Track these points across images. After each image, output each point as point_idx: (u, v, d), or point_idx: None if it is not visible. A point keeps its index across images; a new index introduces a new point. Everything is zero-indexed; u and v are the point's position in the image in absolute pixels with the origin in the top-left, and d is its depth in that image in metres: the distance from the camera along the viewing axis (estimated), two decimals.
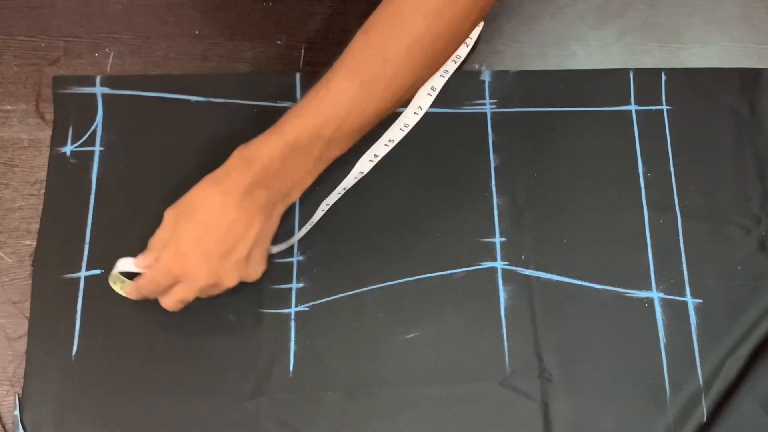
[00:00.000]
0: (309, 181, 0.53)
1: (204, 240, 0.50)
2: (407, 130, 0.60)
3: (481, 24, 0.63)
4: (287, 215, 0.58)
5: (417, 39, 0.49)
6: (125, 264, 0.52)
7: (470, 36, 0.63)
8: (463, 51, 0.62)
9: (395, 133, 0.60)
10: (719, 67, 0.64)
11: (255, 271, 0.52)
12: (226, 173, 0.50)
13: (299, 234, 0.57)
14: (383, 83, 0.49)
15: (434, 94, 0.61)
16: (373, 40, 0.49)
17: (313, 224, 0.57)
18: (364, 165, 0.59)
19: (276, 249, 0.56)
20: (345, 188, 0.58)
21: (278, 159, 0.50)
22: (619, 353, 0.56)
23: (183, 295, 0.51)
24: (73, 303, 0.56)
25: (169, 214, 0.51)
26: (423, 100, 0.61)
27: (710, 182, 0.60)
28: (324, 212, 0.58)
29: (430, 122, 0.61)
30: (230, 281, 0.51)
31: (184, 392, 0.54)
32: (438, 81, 0.61)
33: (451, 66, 0.61)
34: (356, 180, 0.59)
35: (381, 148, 0.59)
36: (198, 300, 0.55)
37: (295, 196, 0.53)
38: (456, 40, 0.51)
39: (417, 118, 0.60)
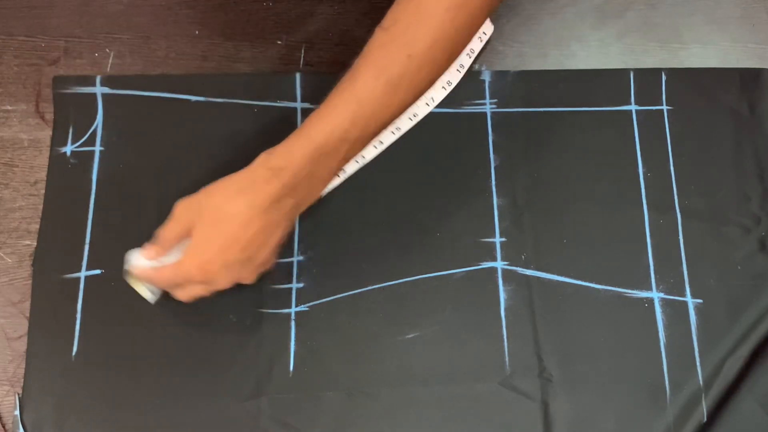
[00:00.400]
0: (331, 178, 0.53)
1: (228, 250, 0.49)
2: (416, 120, 0.60)
3: (491, 27, 0.64)
4: None
5: (441, 34, 0.48)
6: (136, 258, 0.52)
7: (484, 32, 0.63)
8: (477, 45, 0.62)
9: (403, 122, 0.60)
10: (719, 67, 0.64)
11: (268, 266, 0.53)
12: (253, 182, 0.49)
13: None
14: (408, 79, 0.49)
15: (449, 89, 0.61)
16: (396, 37, 0.49)
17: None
18: (368, 151, 0.59)
19: None
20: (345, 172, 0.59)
21: (307, 165, 0.49)
22: (619, 353, 0.56)
23: (201, 294, 0.52)
24: (73, 303, 0.56)
25: (184, 213, 0.51)
26: (437, 93, 0.61)
27: (710, 182, 0.60)
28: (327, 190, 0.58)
29: (430, 122, 0.61)
30: (248, 281, 0.52)
31: (184, 392, 0.54)
32: (455, 76, 0.61)
33: (466, 60, 0.61)
34: (359, 165, 0.59)
35: (387, 136, 0.59)
36: (197, 300, 0.55)
37: (318, 195, 0.53)
38: (474, 30, 0.51)
39: (428, 110, 0.60)
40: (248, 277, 0.52)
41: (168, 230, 0.51)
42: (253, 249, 0.50)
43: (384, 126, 0.51)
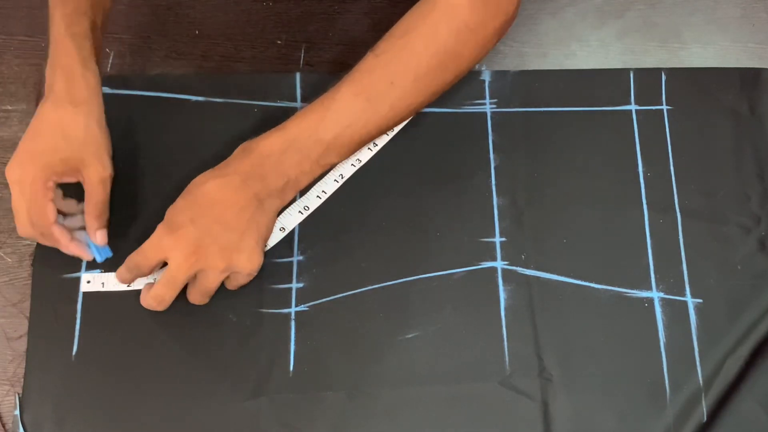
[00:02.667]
0: (304, 182, 0.53)
1: (200, 218, 0.51)
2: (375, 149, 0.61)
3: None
4: None
5: (425, 72, 0.52)
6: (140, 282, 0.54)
7: None
8: None
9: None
10: (719, 67, 0.64)
11: (254, 260, 0.53)
12: (226, 164, 0.53)
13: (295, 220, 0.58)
14: (388, 103, 0.52)
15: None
16: (382, 64, 0.52)
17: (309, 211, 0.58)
18: (346, 169, 0.60)
19: (272, 241, 0.57)
20: (342, 176, 0.59)
21: (276, 153, 0.51)
22: (619, 353, 0.56)
23: (207, 285, 0.53)
24: (73, 303, 0.56)
25: (184, 199, 0.52)
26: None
27: (710, 182, 0.60)
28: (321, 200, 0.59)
29: (430, 122, 0.61)
30: (237, 263, 0.52)
31: (185, 392, 0.54)
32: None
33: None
34: (354, 168, 0.59)
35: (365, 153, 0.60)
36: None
37: (289, 196, 0.53)
38: (460, 75, 0.55)
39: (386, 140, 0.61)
40: (248, 263, 0.52)
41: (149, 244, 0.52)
42: (231, 227, 0.51)
43: (362, 141, 0.53)
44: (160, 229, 0.51)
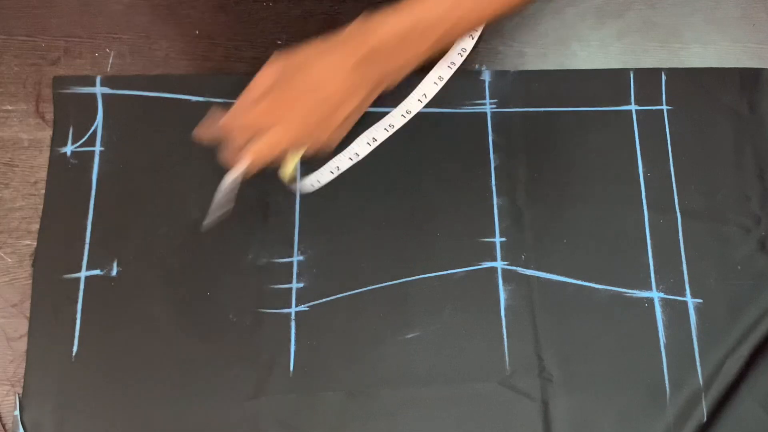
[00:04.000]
0: (413, 66, 0.52)
1: (308, 95, 0.50)
2: (408, 116, 0.60)
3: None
4: (287, 213, 0.58)
5: None
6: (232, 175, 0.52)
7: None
8: (468, 44, 0.62)
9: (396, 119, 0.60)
10: (719, 67, 0.64)
11: (337, 138, 0.52)
12: (343, 42, 0.50)
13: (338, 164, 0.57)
14: None
15: (441, 84, 0.60)
16: None
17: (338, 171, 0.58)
18: (361, 147, 0.59)
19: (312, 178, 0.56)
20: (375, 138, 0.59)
21: (398, 37, 0.49)
22: (619, 353, 0.56)
23: (273, 140, 0.50)
24: (73, 303, 0.56)
25: (276, 64, 0.51)
26: (429, 88, 0.60)
27: (710, 182, 0.60)
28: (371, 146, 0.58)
29: (430, 122, 0.61)
30: (317, 140, 0.51)
31: (185, 392, 0.54)
32: (445, 72, 0.60)
33: (457, 59, 0.61)
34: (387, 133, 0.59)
35: (381, 132, 0.59)
36: (198, 300, 0.56)
37: (397, 80, 0.52)
38: None
39: (420, 106, 0.60)
40: (318, 134, 0.51)
41: (254, 85, 0.51)
42: (331, 105, 0.50)
43: (480, 22, 0.52)
44: (272, 98, 0.50)
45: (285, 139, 0.51)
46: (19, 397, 0.54)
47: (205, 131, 0.52)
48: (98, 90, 0.61)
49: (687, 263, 0.58)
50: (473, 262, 0.58)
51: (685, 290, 0.58)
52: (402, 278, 0.57)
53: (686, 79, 0.63)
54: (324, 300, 0.57)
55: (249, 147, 0.50)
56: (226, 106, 0.60)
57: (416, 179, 0.60)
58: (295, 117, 0.50)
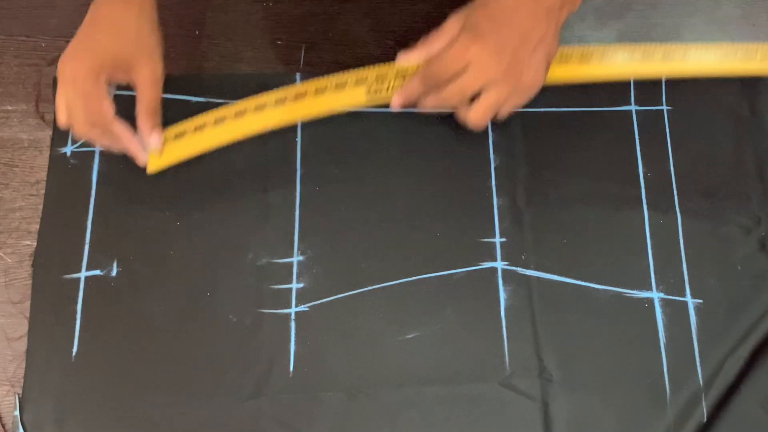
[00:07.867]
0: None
1: (501, 28, 0.49)
2: None
3: None
4: (287, 213, 0.58)
5: None
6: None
7: None
8: None
9: None
10: None
11: (538, 78, 0.52)
12: None
13: None
14: None
15: None
16: None
17: None
18: None
19: None
20: None
21: None
22: (619, 353, 0.56)
23: (491, 100, 0.51)
24: (73, 303, 0.56)
25: (456, 19, 0.51)
26: None
27: (710, 182, 0.60)
28: None
29: (430, 122, 0.61)
30: (524, 78, 0.51)
31: (184, 392, 0.54)
32: None
33: None
34: None
35: None
36: (197, 300, 0.56)
37: (574, 8, 0.53)
38: None
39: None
40: (521, 71, 0.51)
41: (438, 35, 0.51)
42: (526, 40, 0.50)
43: None
44: (465, 38, 0.50)
45: (501, 99, 0.51)
46: (19, 397, 0.54)
47: (408, 90, 0.52)
48: None
49: (687, 263, 0.58)
50: (473, 262, 0.58)
51: (685, 290, 0.58)
52: (402, 278, 0.57)
53: (686, 80, 0.63)
54: (324, 300, 0.57)
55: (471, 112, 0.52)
56: (226, 106, 0.61)
57: (416, 179, 0.60)
58: (491, 51, 0.49)
